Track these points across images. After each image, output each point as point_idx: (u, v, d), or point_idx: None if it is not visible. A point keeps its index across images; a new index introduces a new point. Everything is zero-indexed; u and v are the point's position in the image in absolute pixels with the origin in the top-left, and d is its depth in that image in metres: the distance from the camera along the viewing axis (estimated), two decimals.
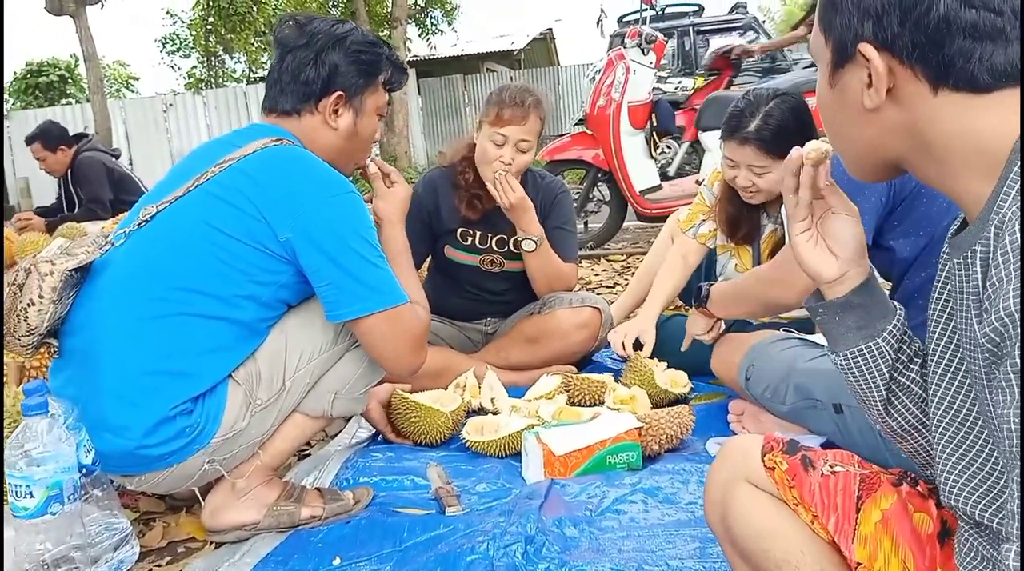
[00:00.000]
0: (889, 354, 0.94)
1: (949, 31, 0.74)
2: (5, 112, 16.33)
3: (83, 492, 1.49)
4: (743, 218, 2.36)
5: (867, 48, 0.78)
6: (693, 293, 2.12)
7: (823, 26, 0.85)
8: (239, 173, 1.57)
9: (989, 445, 0.79)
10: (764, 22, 9.99)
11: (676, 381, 2.35)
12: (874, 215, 1.79)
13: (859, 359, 0.95)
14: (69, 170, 5.37)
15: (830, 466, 1.01)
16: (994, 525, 0.76)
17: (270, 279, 1.56)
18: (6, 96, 20.33)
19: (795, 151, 0.94)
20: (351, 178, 1.74)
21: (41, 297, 1.46)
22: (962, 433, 0.82)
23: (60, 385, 1.59)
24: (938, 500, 0.97)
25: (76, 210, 5.32)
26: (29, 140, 5.32)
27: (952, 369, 0.85)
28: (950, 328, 0.86)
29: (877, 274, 1.01)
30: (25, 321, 1.48)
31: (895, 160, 0.84)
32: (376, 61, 1.73)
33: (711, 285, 2.09)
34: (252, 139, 1.63)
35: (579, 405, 2.28)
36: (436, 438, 2.10)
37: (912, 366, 0.96)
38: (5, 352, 2.14)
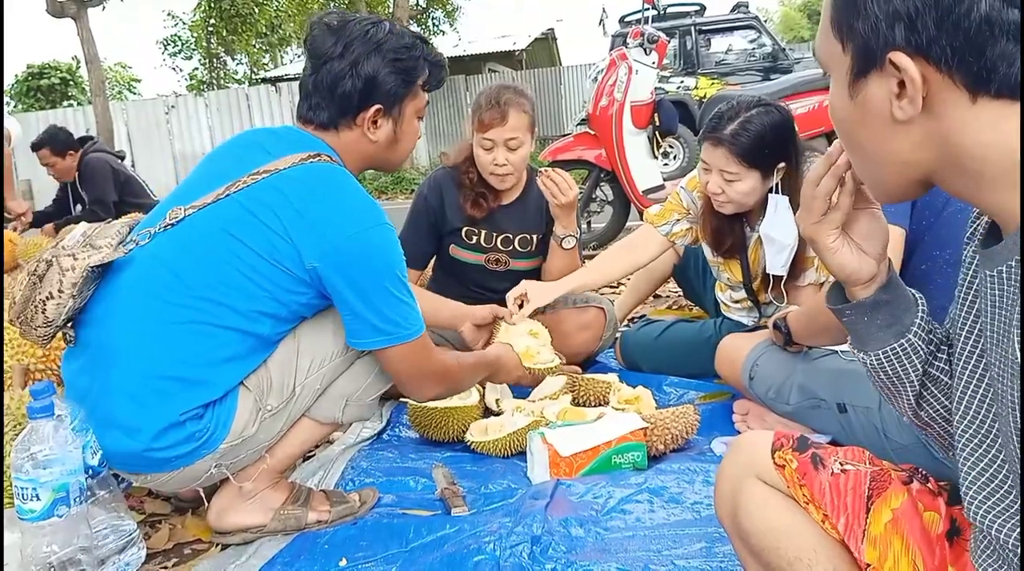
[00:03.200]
0: (921, 348, 0.93)
1: (992, 33, 0.67)
2: (6, 115, 16.34)
3: (89, 494, 1.49)
4: (727, 231, 2.30)
5: (899, 56, 0.71)
6: (773, 328, 2.03)
7: (839, 32, 0.77)
8: (272, 189, 1.52)
9: (1008, 465, 0.77)
10: (766, 22, 9.98)
11: (529, 353, 2.26)
12: (907, 205, 1.70)
13: (892, 358, 0.93)
14: (77, 173, 5.36)
15: (840, 464, 1.00)
16: (1010, 543, 0.74)
17: (291, 299, 1.54)
18: (7, 99, 20.33)
19: (836, 146, 0.90)
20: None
21: (61, 292, 1.46)
22: (984, 449, 0.80)
23: (72, 373, 1.58)
24: (948, 498, 0.97)
25: (82, 212, 5.32)
26: (36, 146, 5.29)
27: (978, 383, 0.82)
28: (980, 343, 0.82)
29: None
30: (43, 313, 1.47)
31: (924, 175, 0.78)
32: (414, 67, 1.65)
33: (785, 318, 1.98)
34: (290, 149, 1.58)
35: (584, 405, 2.28)
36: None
37: (940, 355, 0.94)
38: (7, 355, 2.14)
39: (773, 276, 2.17)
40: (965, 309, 0.85)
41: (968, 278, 0.86)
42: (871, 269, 0.93)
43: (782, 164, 2.08)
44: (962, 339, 0.84)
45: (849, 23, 0.75)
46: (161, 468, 1.53)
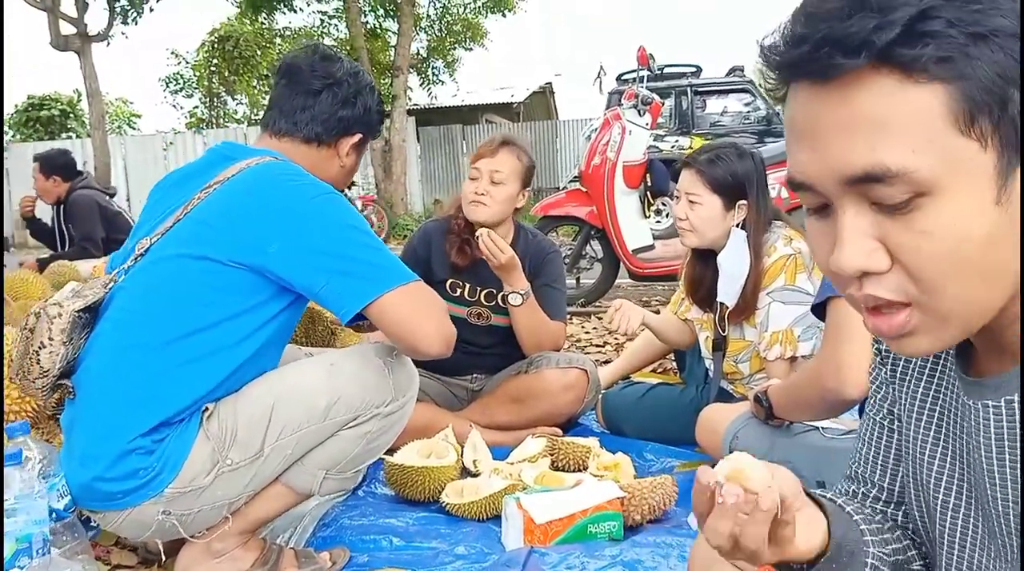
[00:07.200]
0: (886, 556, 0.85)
1: None
2: (5, 145, 16.41)
3: (53, 539, 1.47)
4: (700, 277, 2.40)
5: None
6: (753, 401, 2.04)
7: (974, 126, 0.56)
8: (221, 195, 1.56)
9: None
10: (760, 86, 10.15)
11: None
12: None
13: None
14: (62, 205, 5.37)
15: None
16: None
17: (252, 301, 1.53)
18: (6, 128, 20.42)
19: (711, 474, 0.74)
20: None
21: (51, 340, 1.48)
22: None
23: (64, 423, 1.60)
24: None
25: (68, 248, 5.31)
26: (36, 158, 5.36)
27: (964, 522, 0.77)
28: (957, 477, 0.78)
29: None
30: (38, 364, 1.49)
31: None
32: (381, 116, 1.86)
33: (766, 391, 1.97)
34: (237, 161, 1.61)
35: (563, 470, 2.26)
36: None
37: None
38: (6, 394, 2.11)
39: (721, 304, 2.28)
40: (941, 449, 0.80)
41: (944, 414, 0.80)
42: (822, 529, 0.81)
43: (743, 201, 2.23)
44: (943, 481, 0.79)
45: (1001, 101, 0.55)
46: (108, 503, 1.51)
